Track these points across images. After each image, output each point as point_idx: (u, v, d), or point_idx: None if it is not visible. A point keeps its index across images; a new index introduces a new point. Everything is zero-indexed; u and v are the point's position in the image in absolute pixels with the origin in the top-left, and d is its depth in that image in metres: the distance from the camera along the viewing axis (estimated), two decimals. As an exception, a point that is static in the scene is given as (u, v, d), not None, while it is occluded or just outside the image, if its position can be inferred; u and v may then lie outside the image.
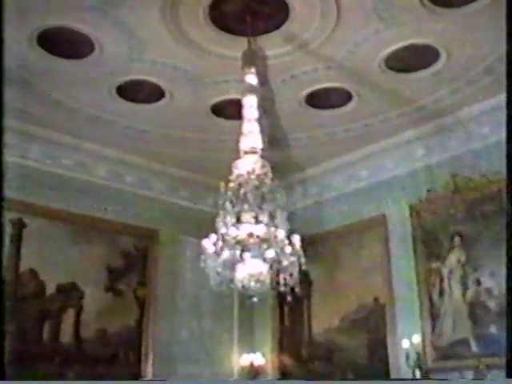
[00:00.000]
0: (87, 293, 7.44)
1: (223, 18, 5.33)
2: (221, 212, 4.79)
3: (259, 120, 5.07)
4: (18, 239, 7.00)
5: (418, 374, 6.58)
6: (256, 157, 4.90)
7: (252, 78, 5.14)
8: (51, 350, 7.04)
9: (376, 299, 7.64)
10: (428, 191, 7.33)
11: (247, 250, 4.62)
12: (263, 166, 4.86)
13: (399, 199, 7.61)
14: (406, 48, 5.76)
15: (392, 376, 7.16)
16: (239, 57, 5.34)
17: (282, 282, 4.73)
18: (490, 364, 6.08)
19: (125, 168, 8.17)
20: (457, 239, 6.94)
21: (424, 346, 6.81)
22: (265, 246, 4.64)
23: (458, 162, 7.16)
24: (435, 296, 7.02)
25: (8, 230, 6.77)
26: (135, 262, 8.07)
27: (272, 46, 5.67)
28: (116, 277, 7.81)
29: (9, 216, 6.68)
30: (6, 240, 6.72)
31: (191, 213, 8.62)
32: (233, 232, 4.64)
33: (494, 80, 6.12)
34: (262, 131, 5.09)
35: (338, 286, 8.07)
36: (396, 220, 7.65)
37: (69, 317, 7.27)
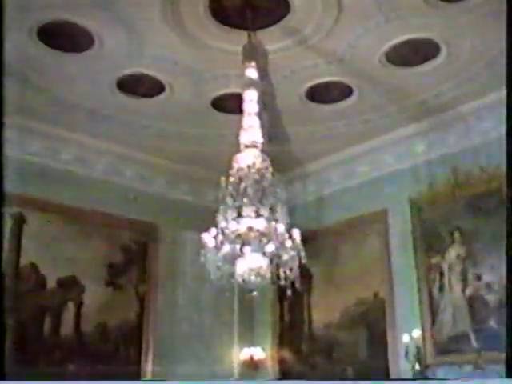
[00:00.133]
0: (87, 287, 7.45)
1: (223, 12, 5.32)
2: (221, 206, 4.80)
3: (259, 114, 5.07)
4: (18, 233, 7.00)
5: (417, 368, 6.60)
6: (256, 151, 4.90)
7: (252, 72, 5.13)
8: (52, 343, 7.05)
9: (376, 294, 7.65)
10: (428, 186, 7.33)
11: (247, 244, 4.63)
12: (263, 161, 4.86)
13: (399, 194, 7.60)
14: (407, 42, 5.76)
15: (391, 370, 7.18)
16: (239, 51, 5.33)
17: (282, 276, 4.74)
18: (490, 358, 6.10)
19: (125, 162, 8.17)
20: (457, 234, 6.95)
21: (424, 341, 6.82)
22: (265, 240, 4.65)
23: (459, 157, 7.16)
24: (435, 291, 7.03)
25: (8, 224, 6.77)
26: (135, 256, 8.08)
27: (272, 40, 5.65)
28: (116, 271, 7.82)
29: (9, 210, 6.68)
30: (7, 234, 6.73)
31: (191, 207, 8.62)
32: (233, 226, 4.65)
33: (494, 75, 6.09)
34: (262, 126, 5.09)
35: (338, 280, 8.07)
36: (396, 215, 7.65)
37: (69, 311, 7.28)
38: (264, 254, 4.64)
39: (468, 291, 6.74)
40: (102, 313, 7.51)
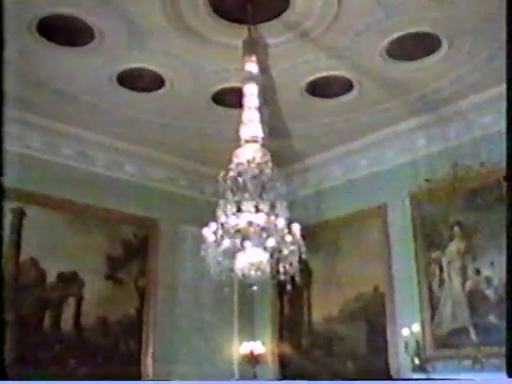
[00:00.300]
0: (87, 281, 7.46)
1: (223, 6, 5.31)
2: (221, 201, 4.79)
3: (260, 109, 5.06)
4: (18, 228, 7.00)
5: (417, 362, 6.62)
6: (256, 145, 4.89)
7: (252, 67, 5.12)
8: (52, 338, 7.06)
9: (376, 288, 7.66)
10: (428, 181, 7.32)
11: (247, 239, 4.62)
12: (264, 155, 4.86)
13: (399, 189, 7.61)
14: (408, 36, 5.74)
15: (391, 364, 7.20)
16: (240, 45, 5.32)
17: (281, 270, 4.73)
18: (489, 353, 6.12)
19: (125, 157, 8.17)
20: (456, 229, 6.95)
21: (423, 335, 6.84)
22: (265, 234, 4.64)
23: (459, 151, 7.15)
24: (435, 285, 7.04)
25: (8, 219, 6.77)
26: (135, 251, 8.09)
27: (273, 34, 5.65)
28: (116, 266, 7.83)
29: (9, 205, 6.68)
30: (7, 229, 6.73)
31: (191, 202, 8.63)
32: (233, 221, 4.65)
33: (495, 69, 6.08)
34: (263, 120, 5.08)
35: (338, 275, 8.09)
36: (396, 209, 7.66)
37: (69, 305, 7.29)
38: (264, 248, 4.64)
39: (468, 286, 6.75)
40: (102, 307, 7.53)
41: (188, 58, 6.09)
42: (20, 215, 7.04)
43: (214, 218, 4.81)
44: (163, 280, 8.16)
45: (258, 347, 8.49)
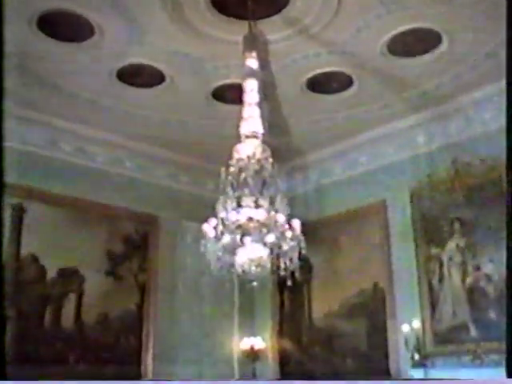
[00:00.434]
0: (88, 277, 7.47)
1: (224, 2, 5.31)
2: (221, 197, 4.79)
3: (260, 104, 5.06)
4: (18, 224, 7.00)
5: (417, 358, 6.63)
6: (257, 141, 4.89)
7: (253, 63, 5.11)
8: (53, 334, 7.07)
9: (376, 284, 7.67)
10: (428, 177, 7.33)
11: (247, 235, 4.63)
12: (264, 151, 4.86)
13: (399, 185, 7.61)
14: (408, 32, 5.73)
15: (391, 360, 7.21)
16: (240, 41, 5.31)
17: (282, 266, 4.74)
18: (489, 348, 6.13)
19: (125, 153, 8.17)
20: (457, 225, 6.96)
21: (423, 331, 6.85)
22: (265, 230, 4.65)
23: (459, 147, 7.15)
24: (435, 281, 7.05)
25: (8, 215, 6.77)
26: (136, 247, 8.09)
27: (273, 30, 5.64)
28: (116, 262, 7.84)
29: (9, 201, 6.69)
30: (7, 225, 6.73)
31: (191, 198, 8.62)
32: (233, 216, 4.65)
33: (495, 65, 6.07)
34: (263, 116, 5.08)
35: (338, 271, 8.10)
36: (396, 206, 7.66)
37: (70, 301, 7.31)
38: (264, 244, 4.64)
39: (468, 282, 6.75)
40: (102, 303, 7.53)
41: (188, 54, 6.09)
42: (20, 211, 7.04)
43: (214, 214, 4.81)
44: (163, 276, 8.17)
45: (258, 343, 8.50)
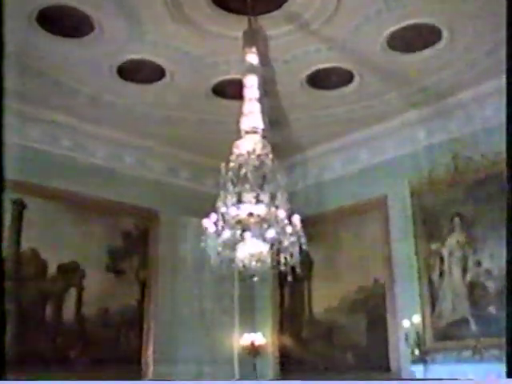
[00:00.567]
0: (88, 273, 7.48)
1: (224, -3, 5.30)
2: (221, 192, 4.79)
3: (260, 100, 5.05)
4: (18, 220, 7.01)
5: (417, 353, 6.64)
6: (257, 137, 4.89)
7: (253, 58, 5.11)
8: (53, 329, 7.08)
9: (376, 280, 7.68)
10: (429, 173, 7.33)
11: (248, 230, 4.63)
12: (264, 146, 4.86)
13: (400, 180, 7.61)
14: (408, 28, 5.73)
15: (391, 356, 7.22)
16: (240, 37, 5.30)
17: (282, 261, 4.74)
18: (489, 344, 6.14)
19: (125, 149, 8.17)
20: (457, 220, 6.96)
21: (423, 327, 6.86)
22: (265, 225, 4.65)
23: (459, 143, 7.15)
24: (435, 277, 7.05)
25: (9, 210, 6.78)
26: (136, 242, 8.10)
27: (273, 25, 5.63)
28: (117, 257, 7.85)
29: (9, 197, 6.69)
30: (7, 221, 6.73)
31: (191, 193, 8.63)
32: (233, 212, 4.65)
33: (496, 61, 6.07)
34: (263, 111, 5.08)
35: (339, 266, 8.10)
36: (396, 201, 7.66)
37: (70, 297, 7.32)
38: (264, 239, 4.65)
39: (468, 277, 6.76)
40: (103, 298, 7.55)
41: (188, 50, 6.08)
42: (20, 207, 7.04)
43: (215, 210, 4.82)
44: (164, 271, 8.18)
45: (258, 338, 8.51)
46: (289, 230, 4.74)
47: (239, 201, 4.70)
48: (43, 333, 6.96)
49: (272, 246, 4.69)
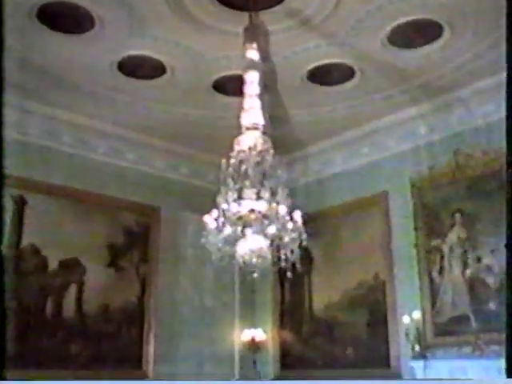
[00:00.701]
0: (89, 269, 7.49)
1: (225, -7, 5.29)
2: (222, 188, 4.80)
3: (261, 96, 5.05)
4: (19, 215, 7.01)
5: (417, 349, 6.65)
6: (258, 133, 4.89)
7: (253, 54, 5.11)
8: (54, 325, 7.09)
9: (376, 276, 7.68)
10: (430, 168, 7.33)
11: (248, 226, 4.64)
12: (265, 142, 4.86)
13: (401, 176, 7.61)
14: (409, 24, 5.71)
15: (392, 351, 7.23)
16: (241, 32, 5.30)
17: (282, 257, 4.75)
18: (489, 339, 6.14)
19: (125, 145, 8.16)
20: (458, 216, 6.96)
21: (424, 322, 6.86)
22: (266, 221, 4.66)
23: (460, 139, 7.15)
24: (435, 273, 7.06)
25: (9, 206, 6.78)
26: (137, 238, 8.11)
27: (274, 21, 5.62)
28: (117, 253, 7.85)
29: (10, 192, 6.69)
30: (8, 217, 6.73)
31: (192, 189, 8.63)
32: (234, 208, 4.66)
33: (497, 56, 6.06)
34: (264, 107, 5.07)
35: (339, 262, 8.11)
36: (397, 197, 7.66)
37: (71, 292, 7.33)
38: (265, 235, 4.65)
39: (468, 273, 6.76)
40: (103, 294, 7.56)
41: (189, 45, 6.07)
42: (21, 203, 7.04)
43: (216, 206, 4.82)
44: (164, 267, 8.19)
45: (258, 334, 8.52)
46: (289, 226, 4.75)
47: (240, 197, 4.70)
48: (44, 329, 6.97)
49: (272, 242, 4.69)
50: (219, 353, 8.43)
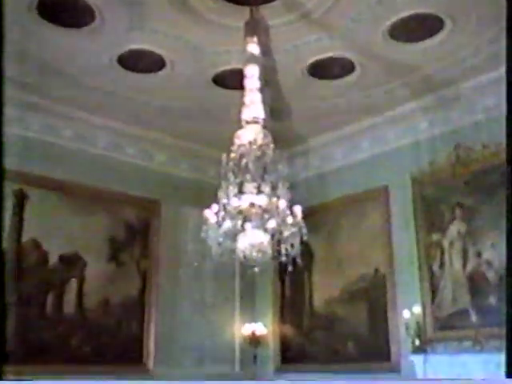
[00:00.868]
0: (90, 263, 7.49)
1: (225, -13, 5.28)
2: (222, 182, 4.79)
3: (261, 90, 5.04)
4: (19, 210, 7.01)
5: (417, 343, 6.66)
6: (258, 127, 4.89)
7: (254, 48, 5.10)
8: (55, 319, 7.10)
9: (377, 270, 7.69)
10: (430, 163, 7.32)
11: (249, 221, 4.64)
12: (265, 137, 4.85)
13: (401, 170, 7.60)
14: (410, 18, 5.69)
15: (392, 346, 7.24)
16: (241, 26, 5.29)
17: (283, 252, 4.75)
18: (489, 334, 6.14)
19: (126, 139, 8.16)
20: (458, 211, 6.96)
21: (424, 317, 6.87)
22: (266, 216, 4.65)
23: (461, 133, 7.14)
24: (435, 267, 7.06)
25: (10, 201, 6.78)
26: (137, 233, 8.11)
27: (274, 15, 5.60)
28: (118, 247, 7.85)
29: (10, 187, 6.69)
30: (8, 212, 6.73)
31: (193, 184, 8.63)
32: (235, 202, 4.65)
33: (498, 51, 6.04)
34: (264, 101, 5.07)
35: (339, 256, 8.11)
36: (397, 191, 7.66)
37: (72, 287, 7.33)
38: (265, 230, 4.65)
39: (468, 268, 6.76)
40: (104, 289, 7.56)
41: (189, 39, 6.06)
42: (21, 197, 7.04)
43: (216, 200, 4.82)
44: (165, 262, 8.20)
45: (259, 328, 8.54)
46: (290, 220, 4.75)
47: (240, 191, 4.70)
48: (44, 323, 6.97)
49: (273, 236, 4.69)
50: (220, 347, 8.45)
